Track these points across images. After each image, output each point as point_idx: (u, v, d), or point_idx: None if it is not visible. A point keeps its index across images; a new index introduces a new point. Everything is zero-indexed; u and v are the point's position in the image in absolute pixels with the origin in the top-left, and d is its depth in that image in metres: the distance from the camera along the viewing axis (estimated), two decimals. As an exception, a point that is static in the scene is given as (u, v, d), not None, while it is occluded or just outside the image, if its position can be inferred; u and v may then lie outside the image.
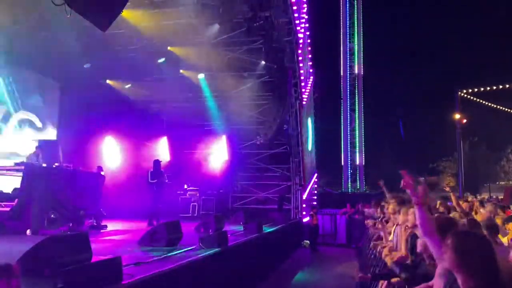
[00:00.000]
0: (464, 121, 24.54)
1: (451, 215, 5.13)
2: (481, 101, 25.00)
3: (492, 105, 26.02)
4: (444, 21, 49.38)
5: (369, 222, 8.81)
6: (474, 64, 39.69)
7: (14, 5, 10.87)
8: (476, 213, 7.27)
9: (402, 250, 4.91)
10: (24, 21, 11.70)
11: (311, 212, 15.51)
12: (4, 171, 9.34)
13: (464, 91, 23.74)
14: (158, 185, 11.19)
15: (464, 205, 7.21)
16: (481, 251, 1.94)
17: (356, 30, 34.39)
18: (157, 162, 11.54)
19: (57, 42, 12.21)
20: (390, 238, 6.03)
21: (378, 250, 6.35)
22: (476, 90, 24.01)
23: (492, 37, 42.92)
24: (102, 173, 11.33)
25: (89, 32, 11.17)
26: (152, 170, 11.27)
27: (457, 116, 23.34)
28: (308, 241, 15.28)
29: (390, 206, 6.04)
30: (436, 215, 3.67)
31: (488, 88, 24.11)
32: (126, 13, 11.02)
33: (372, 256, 6.91)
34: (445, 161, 35.53)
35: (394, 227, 5.85)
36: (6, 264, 2.65)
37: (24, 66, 11.97)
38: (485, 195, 24.80)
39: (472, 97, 24.18)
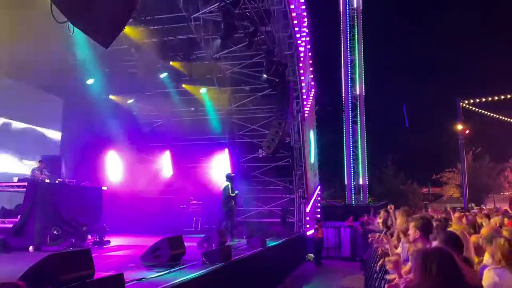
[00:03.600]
0: (467, 131, 24.50)
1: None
2: (483, 111, 24.97)
3: (495, 115, 25.97)
4: (446, 32, 49.65)
5: (372, 235, 8.71)
6: (477, 74, 39.80)
7: (17, 21, 11.01)
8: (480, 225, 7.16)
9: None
10: (26, 37, 11.85)
11: (316, 226, 15.39)
12: (8, 187, 9.35)
13: (466, 101, 23.74)
14: (235, 198, 11.68)
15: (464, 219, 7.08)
16: (441, 266, 1.95)
17: (356, 43, 34.59)
18: (233, 176, 11.69)
19: (60, 58, 12.35)
20: (397, 251, 5.95)
21: (384, 264, 6.26)
22: (478, 100, 24.00)
23: (495, 47, 43.07)
24: (105, 188, 11.35)
25: (91, 48, 11.38)
26: (230, 184, 11.54)
27: (460, 126, 23.29)
28: (312, 255, 15.14)
29: (398, 220, 5.98)
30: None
31: (490, 99, 24.10)
32: (128, 30, 11.15)
33: (378, 269, 6.83)
34: (448, 172, 35.37)
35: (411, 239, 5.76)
36: (15, 283, 2.64)
37: (28, 81, 12.06)
38: (490, 206, 24.61)
39: (474, 108, 24.15)
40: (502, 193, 34.49)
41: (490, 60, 40.11)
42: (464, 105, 23.51)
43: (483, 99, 24.04)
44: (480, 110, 24.58)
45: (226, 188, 11.55)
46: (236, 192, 11.65)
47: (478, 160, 34.24)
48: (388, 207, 8.97)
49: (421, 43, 49.75)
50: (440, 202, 35.46)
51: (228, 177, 11.68)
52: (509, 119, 26.46)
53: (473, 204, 23.74)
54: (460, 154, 23.81)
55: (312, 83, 19.93)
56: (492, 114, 25.68)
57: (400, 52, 46.72)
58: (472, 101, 23.87)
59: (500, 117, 26.23)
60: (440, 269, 1.94)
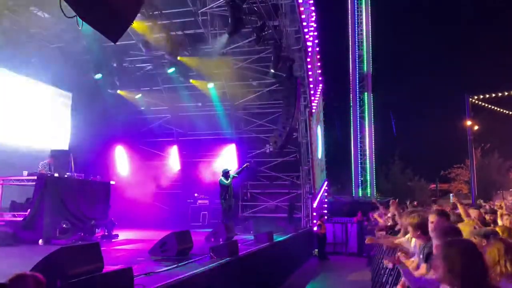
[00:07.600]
0: (476, 127, 24.26)
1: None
2: (493, 107, 24.69)
3: (504, 111, 25.66)
4: (454, 27, 49.10)
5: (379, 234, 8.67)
6: (486, 70, 39.30)
7: (28, 17, 11.09)
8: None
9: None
10: (36, 33, 11.94)
11: (319, 222, 15.35)
12: (18, 181, 9.44)
13: (476, 97, 23.49)
14: (231, 191, 11.89)
15: (475, 213, 6.97)
16: (466, 258, 1.90)
17: (365, 38, 34.33)
18: (227, 173, 11.82)
19: (69, 53, 12.43)
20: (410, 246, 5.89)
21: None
22: (487, 96, 23.74)
23: (504, 42, 42.49)
24: (113, 182, 11.42)
25: (100, 43, 11.44)
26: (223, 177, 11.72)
27: (468, 122, 23.07)
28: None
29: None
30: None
31: (500, 94, 23.83)
32: (136, 24, 11.15)
33: (385, 266, 6.80)
34: (457, 168, 35.10)
35: (411, 236, 5.72)
36: (35, 275, 2.68)
37: (37, 77, 12.15)
38: (498, 203, 24.34)
39: (483, 103, 23.90)
40: (511, 190, 34.17)
41: (500, 56, 39.58)
42: (473, 100, 23.27)
43: (493, 95, 23.78)
44: (489, 106, 24.33)
45: (220, 180, 11.68)
46: (230, 176, 11.69)
47: (487, 156, 33.92)
48: (391, 202, 8.94)
49: (430, 38, 49.33)
50: (448, 198, 35.13)
51: (223, 173, 11.80)
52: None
53: (481, 201, 23.54)
54: (469, 150, 23.57)
55: (320, 78, 19.84)
56: (502, 110, 25.39)
57: (409, 47, 46.29)
58: (481, 96, 23.63)
59: (510, 113, 25.92)
60: (466, 263, 1.89)
